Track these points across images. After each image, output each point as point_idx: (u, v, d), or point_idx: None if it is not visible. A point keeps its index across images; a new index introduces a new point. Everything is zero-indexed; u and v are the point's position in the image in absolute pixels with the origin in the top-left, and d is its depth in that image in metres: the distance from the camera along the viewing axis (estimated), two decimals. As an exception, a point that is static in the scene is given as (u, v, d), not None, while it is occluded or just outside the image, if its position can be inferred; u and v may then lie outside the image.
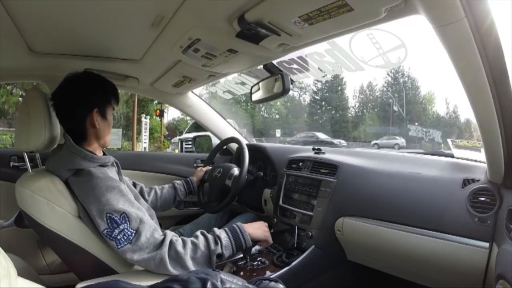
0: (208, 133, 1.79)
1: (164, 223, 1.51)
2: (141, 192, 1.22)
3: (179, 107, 1.66)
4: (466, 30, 0.53)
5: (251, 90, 1.29)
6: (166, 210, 1.31)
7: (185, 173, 1.66)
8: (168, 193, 1.29)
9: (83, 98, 0.91)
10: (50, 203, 0.82)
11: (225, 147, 1.68)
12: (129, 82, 1.37)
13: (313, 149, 1.36)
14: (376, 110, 27.51)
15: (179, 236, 0.85)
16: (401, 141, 19.68)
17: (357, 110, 28.87)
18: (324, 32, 0.73)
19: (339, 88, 27.96)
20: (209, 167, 1.44)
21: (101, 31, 0.95)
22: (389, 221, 0.93)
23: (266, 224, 1.01)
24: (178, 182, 1.34)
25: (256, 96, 1.25)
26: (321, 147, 1.36)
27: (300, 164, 1.29)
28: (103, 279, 0.80)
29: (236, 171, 1.29)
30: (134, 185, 1.21)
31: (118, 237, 0.79)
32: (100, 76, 0.98)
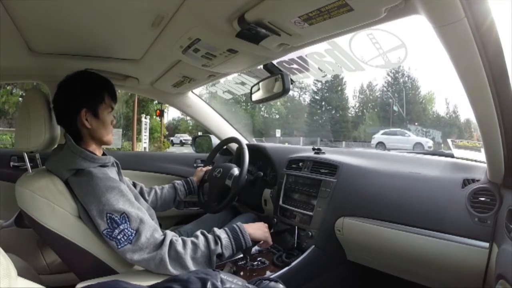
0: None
1: (164, 223, 1.51)
2: (141, 192, 1.22)
3: (179, 107, 1.65)
4: (466, 30, 0.53)
5: (251, 90, 1.29)
6: (166, 210, 1.31)
7: (185, 173, 1.66)
8: (168, 193, 1.29)
9: (71, 99, 0.91)
10: (50, 203, 0.82)
11: (225, 147, 1.68)
12: (129, 82, 1.37)
13: (313, 149, 1.36)
14: (376, 110, 27.51)
15: (179, 236, 0.86)
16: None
17: (357, 110, 28.88)
18: (324, 32, 0.73)
19: (339, 88, 27.97)
20: (209, 167, 1.44)
21: (101, 31, 0.95)
22: (389, 221, 0.93)
23: (266, 224, 1.01)
24: (178, 182, 1.34)
25: (256, 96, 1.25)
26: (321, 147, 1.36)
27: (300, 164, 1.29)
28: (103, 279, 0.80)
29: (236, 171, 1.29)
30: (134, 185, 1.21)
31: (118, 237, 0.79)
32: (92, 74, 0.96)
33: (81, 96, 0.91)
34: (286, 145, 2.13)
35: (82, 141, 0.92)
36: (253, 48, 0.83)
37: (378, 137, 16.71)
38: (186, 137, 20.99)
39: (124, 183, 0.97)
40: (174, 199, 1.30)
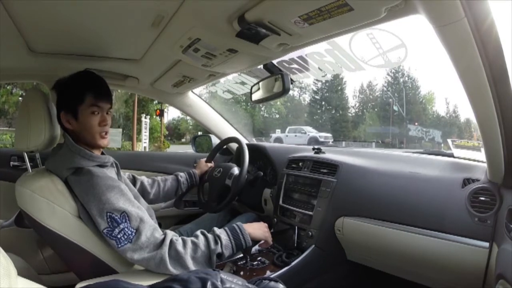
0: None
1: (164, 223, 1.52)
2: (143, 186, 1.22)
3: (179, 107, 1.65)
4: (466, 30, 0.53)
5: (251, 90, 1.29)
6: (167, 201, 1.33)
7: None
8: (171, 185, 1.30)
9: (57, 101, 0.92)
10: (50, 203, 0.82)
11: (225, 147, 1.68)
12: (129, 82, 1.37)
13: (313, 148, 1.36)
14: (376, 109, 27.50)
15: (179, 236, 0.86)
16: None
17: (357, 109, 28.88)
18: (324, 32, 0.73)
19: (339, 88, 27.96)
20: (212, 164, 1.45)
21: (101, 31, 0.95)
22: (389, 221, 0.93)
23: (266, 224, 1.01)
24: (182, 174, 1.35)
25: (256, 96, 1.25)
26: (321, 147, 1.36)
27: (300, 164, 1.29)
28: (103, 278, 0.80)
29: (236, 170, 1.29)
30: (135, 179, 1.22)
31: (119, 236, 0.79)
32: (79, 74, 0.93)
33: (60, 98, 0.91)
34: (286, 145, 2.12)
35: (75, 141, 0.92)
36: (253, 48, 0.83)
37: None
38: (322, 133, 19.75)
39: (124, 183, 0.97)
40: (176, 191, 1.31)
